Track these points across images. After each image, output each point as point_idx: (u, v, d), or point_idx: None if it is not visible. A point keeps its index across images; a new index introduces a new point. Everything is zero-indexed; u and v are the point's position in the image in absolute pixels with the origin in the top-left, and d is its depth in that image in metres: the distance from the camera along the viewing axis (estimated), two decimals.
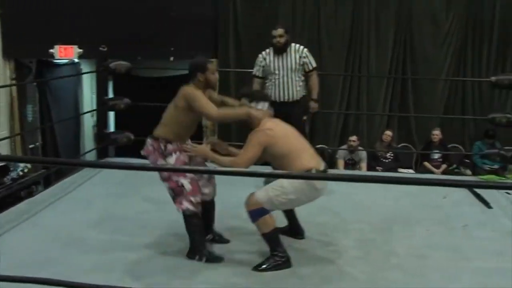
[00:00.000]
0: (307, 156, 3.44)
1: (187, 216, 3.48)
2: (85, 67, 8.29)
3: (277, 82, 5.03)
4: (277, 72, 5.02)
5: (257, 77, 5.18)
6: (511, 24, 8.04)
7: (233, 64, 7.94)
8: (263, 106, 3.59)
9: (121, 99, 5.92)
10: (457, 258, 3.66)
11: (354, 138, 7.59)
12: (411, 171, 8.05)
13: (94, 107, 6.95)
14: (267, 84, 5.13)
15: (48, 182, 6.43)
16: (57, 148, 8.02)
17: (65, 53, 7.38)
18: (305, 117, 5.27)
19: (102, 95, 5.96)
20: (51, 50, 7.46)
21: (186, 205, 3.45)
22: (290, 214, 3.84)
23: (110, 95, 7.64)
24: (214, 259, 3.48)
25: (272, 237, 3.42)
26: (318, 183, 3.37)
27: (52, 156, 7.87)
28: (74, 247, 3.61)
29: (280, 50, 5.02)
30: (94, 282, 2.59)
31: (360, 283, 3.27)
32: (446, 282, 3.30)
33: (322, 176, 3.28)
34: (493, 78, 5.54)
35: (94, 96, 7.61)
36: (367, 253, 3.70)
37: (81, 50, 7.42)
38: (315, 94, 5.29)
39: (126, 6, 7.71)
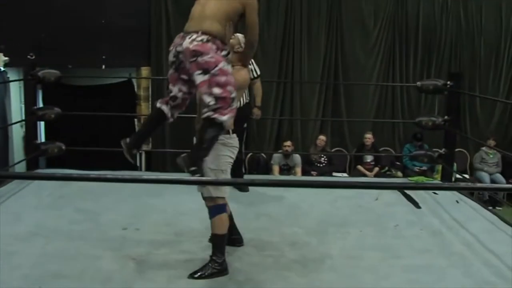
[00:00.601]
0: None
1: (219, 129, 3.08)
2: (12, 75, 7.99)
3: None
4: None
5: None
6: (434, 32, 8.43)
7: (166, 71, 7.86)
8: None
9: (51, 109, 5.73)
10: (388, 257, 3.78)
11: (288, 143, 7.70)
12: (345, 174, 8.24)
13: (23, 117, 6.72)
14: None
15: None
16: None
17: None
18: (245, 125, 5.29)
19: (31, 104, 5.75)
20: None
21: (227, 117, 3.04)
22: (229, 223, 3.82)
23: (40, 104, 7.40)
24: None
25: (219, 241, 3.43)
26: (235, 142, 3.44)
27: None
28: (3, 262, 3.47)
29: None
30: None
31: (296, 286, 3.32)
32: (378, 281, 3.40)
33: (266, 182, 3.30)
34: (419, 83, 5.75)
35: (23, 106, 7.36)
36: (303, 256, 3.76)
37: (7, 58, 7.15)
38: (259, 101, 5.34)
39: (55, 13, 7.51)
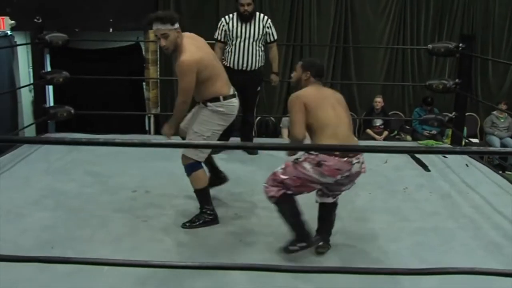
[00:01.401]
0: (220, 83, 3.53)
1: None
2: (19, 39, 7.95)
3: (237, 48, 4.98)
4: (238, 38, 4.96)
5: (219, 41, 5.10)
6: None
7: None
8: None
9: (59, 73, 5.72)
10: (397, 219, 3.80)
11: None
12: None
13: (32, 81, 6.70)
14: (226, 49, 5.06)
15: None
16: None
17: None
18: (259, 88, 5.26)
19: (39, 68, 5.73)
20: None
21: None
22: (210, 164, 3.93)
23: (48, 68, 7.39)
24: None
25: (203, 194, 3.62)
26: (227, 109, 3.59)
27: None
28: (13, 225, 3.51)
29: (247, 18, 4.96)
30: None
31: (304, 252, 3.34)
32: (386, 243, 3.42)
33: (275, 146, 3.26)
34: (430, 46, 5.66)
35: (31, 70, 7.34)
36: (312, 218, 3.76)
37: (13, 22, 7.07)
38: (275, 67, 5.30)
39: None
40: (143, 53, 8.19)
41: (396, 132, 8.31)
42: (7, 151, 5.06)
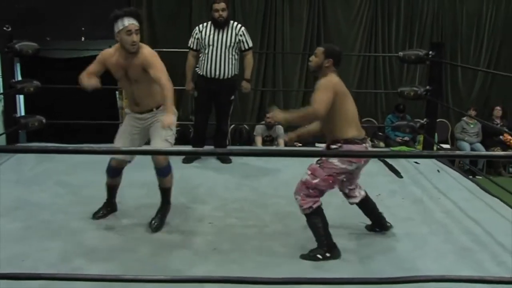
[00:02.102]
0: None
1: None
2: None
3: (210, 56, 4.96)
4: (211, 46, 4.94)
5: (192, 49, 5.08)
6: (415, 2, 8.42)
7: (146, 43, 7.76)
8: None
9: (30, 82, 5.65)
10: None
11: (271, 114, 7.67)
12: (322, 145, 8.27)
13: (1, 90, 6.60)
14: (200, 58, 5.04)
15: None
16: None
17: None
18: (232, 97, 5.24)
19: (9, 78, 5.65)
20: None
21: None
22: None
23: (19, 77, 7.28)
24: None
25: (169, 192, 3.74)
26: None
27: None
28: None
29: (220, 25, 4.93)
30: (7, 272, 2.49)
31: (279, 256, 3.35)
32: (359, 249, 3.45)
33: (247, 152, 3.27)
34: (400, 54, 5.76)
35: (1, 80, 7.23)
36: (286, 226, 3.79)
37: None
38: (248, 74, 5.26)
39: None
40: None
41: (369, 138, 8.39)
42: None
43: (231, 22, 5.04)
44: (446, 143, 8.66)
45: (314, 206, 3.28)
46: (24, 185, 4.46)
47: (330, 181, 3.28)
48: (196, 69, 5.08)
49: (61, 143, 5.33)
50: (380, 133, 8.55)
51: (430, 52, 5.49)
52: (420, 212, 4.12)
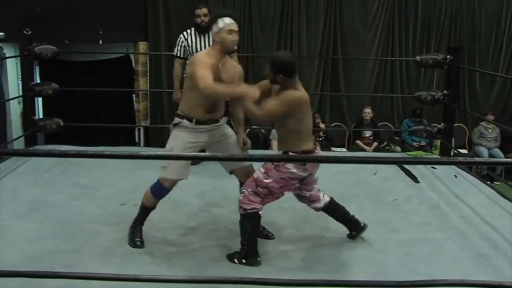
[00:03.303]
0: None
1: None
2: (8, 51, 7.94)
3: None
4: (197, 53, 4.93)
5: (179, 57, 5.05)
6: (433, 6, 8.36)
7: (164, 46, 7.84)
8: None
9: (48, 85, 5.71)
10: (386, 231, 3.80)
11: None
12: (344, 149, 8.24)
13: (21, 93, 6.68)
14: (187, 65, 5.03)
15: None
16: None
17: None
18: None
19: (28, 80, 5.71)
20: None
21: None
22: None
23: (37, 80, 7.37)
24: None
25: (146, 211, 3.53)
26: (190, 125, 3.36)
27: None
28: (1, 238, 3.47)
29: (203, 30, 4.91)
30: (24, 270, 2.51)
31: (295, 260, 3.34)
32: (375, 254, 3.43)
33: (264, 157, 3.27)
34: (418, 58, 5.71)
35: (20, 82, 7.32)
36: (302, 230, 3.78)
37: (2, 34, 7.06)
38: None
39: None
40: (133, 65, 8.20)
41: (385, 143, 8.35)
42: None
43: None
44: (464, 148, 8.58)
45: (251, 210, 3.22)
46: (41, 187, 4.50)
47: (282, 184, 3.23)
48: (184, 75, 5.02)
49: (77, 145, 5.37)
50: (396, 138, 8.49)
51: (448, 57, 5.44)
52: (436, 217, 4.08)
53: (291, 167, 3.20)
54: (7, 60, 7.79)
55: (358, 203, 4.35)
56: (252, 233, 3.29)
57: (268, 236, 3.64)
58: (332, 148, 8.03)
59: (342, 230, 3.73)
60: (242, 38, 7.98)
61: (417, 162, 5.18)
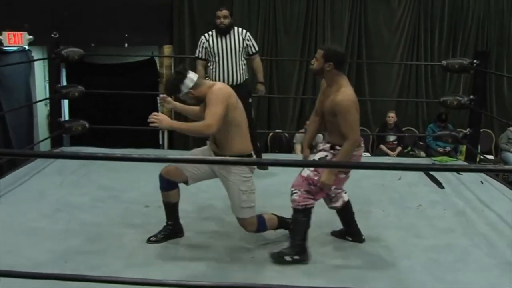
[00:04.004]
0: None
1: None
2: (36, 54, 8.07)
3: (220, 64, 4.96)
4: (220, 54, 4.95)
5: (200, 59, 5.10)
6: (460, 10, 8.25)
7: (188, 49, 7.88)
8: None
9: (75, 87, 5.79)
10: (410, 236, 3.77)
11: None
12: (367, 154, 8.18)
13: (48, 95, 6.78)
14: (210, 67, 5.05)
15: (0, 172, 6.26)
16: (9, 139, 7.80)
17: (14, 40, 7.14)
18: (250, 100, 5.19)
19: (55, 83, 5.80)
20: None
21: None
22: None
23: (64, 82, 7.47)
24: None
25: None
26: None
27: (3, 146, 7.65)
28: (28, 238, 3.54)
29: (224, 32, 4.94)
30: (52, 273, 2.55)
31: (318, 264, 3.32)
32: (399, 260, 3.39)
33: (288, 163, 3.24)
34: (444, 62, 5.65)
35: (47, 84, 7.44)
36: (326, 234, 3.76)
37: (31, 37, 7.19)
38: (261, 77, 5.27)
39: None
40: (158, 68, 8.26)
41: (409, 148, 8.26)
42: (22, 164, 5.11)
43: (235, 28, 5.03)
44: (490, 153, 8.44)
45: (308, 205, 3.30)
46: (66, 188, 4.57)
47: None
48: (206, 77, 5.05)
49: (102, 147, 5.44)
50: (420, 143, 8.40)
51: (475, 61, 5.37)
52: (462, 223, 4.02)
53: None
54: (35, 62, 7.92)
55: (382, 208, 4.33)
56: (304, 228, 3.33)
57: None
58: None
59: (367, 233, 3.70)
60: (266, 41, 8.01)
61: (444, 169, 5.12)
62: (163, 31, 7.93)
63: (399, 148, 8.00)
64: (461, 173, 5.13)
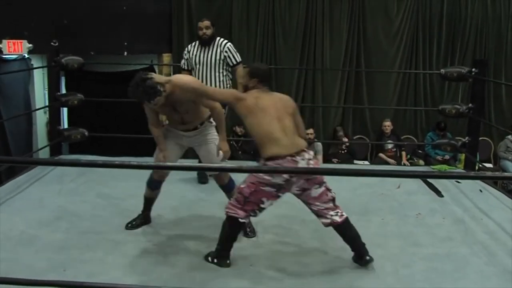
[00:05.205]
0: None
1: None
2: (36, 62, 8.08)
3: (199, 75, 4.96)
4: (198, 65, 4.96)
5: (183, 69, 5.12)
6: (458, 18, 8.28)
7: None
8: None
9: (74, 95, 5.81)
10: (410, 245, 3.76)
11: (310, 131, 7.67)
12: (366, 162, 8.19)
13: (47, 103, 6.79)
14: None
15: None
16: (8, 146, 7.80)
17: (14, 48, 7.16)
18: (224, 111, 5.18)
19: (55, 91, 5.81)
20: None
21: None
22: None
23: (63, 91, 7.48)
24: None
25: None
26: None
27: (2, 154, 7.64)
28: (27, 247, 3.54)
29: (205, 43, 4.94)
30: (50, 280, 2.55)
31: (317, 273, 3.32)
32: (398, 269, 3.39)
33: (284, 170, 3.25)
34: (442, 71, 5.68)
35: (47, 92, 7.45)
36: (324, 243, 3.75)
37: (31, 45, 7.22)
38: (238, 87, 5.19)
39: (78, 0, 7.57)
40: None
41: (408, 156, 8.27)
42: (21, 172, 5.11)
43: (217, 39, 5.00)
44: (489, 162, 8.46)
45: (232, 214, 3.31)
46: (66, 196, 4.56)
47: (252, 189, 3.24)
48: None
49: (101, 155, 5.44)
50: (419, 151, 8.41)
51: (473, 69, 5.39)
52: (461, 232, 4.03)
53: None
54: (34, 71, 7.94)
55: (381, 216, 4.33)
56: (228, 237, 3.38)
57: (247, 234, 3.80)
58: (355, 161, 7.99)
59: (366, 242, 3.70)
60: (265, 49, 8.03)
61: (442, 176, 5.13)
62: (162, 39, 7.96)
63: (404, 153, 8.03)
64: (460, 181, 5.14)
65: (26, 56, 7.62)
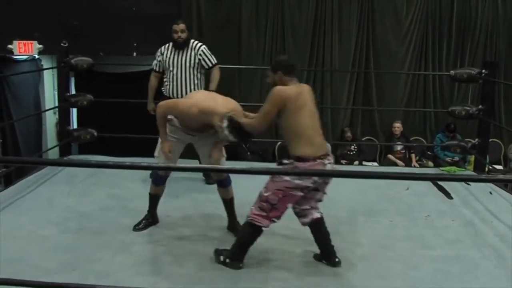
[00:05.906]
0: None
1: None
2: (46, 63, 8.14)
3: (173, 78, 4.90)
4: (171, 68, 4.89)
5: (155, 71, 5.08)
6: (468, 19, 8.23)
7: None
8: None
9: (83, 96, 5.84)
10: (419, 247, 3.75)
11: None
12: (375, 164, 8.17)
13: (57, 104, 6.83)
14: (164, 80, 5.01)
15: (9, 180, 6.29)
16: (18, 146, 7.85)
17: (24, 49, 7.21)
18: None
19: (64, 91, 5.84)
20: (9, 46, 7.28)
21: None
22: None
23: (73, 91, 7.52)
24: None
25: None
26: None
27: (12, 154, 7.70)
28: (36, 246, 3.55)
29: (180, 46, 4.89)
30: (56, 282, 2.56)
31: (326, 275, 3.32)
32: (407, 271, 3.38)
33: (293, 172, 3.24)
34: (452, 72, 5.66)
35: (56, 93, 7.49)
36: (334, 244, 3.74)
37: (41, 46, 7.26)
38: (212, 87, 5.00)
39: (87, 1, 7.60)
40: None
41: (417, 157, 8.23)
42: (31, 172, 5.14)
43: (191, 41, 4.95)
44: (499, 164, 8.40)
45: (258, 223, 3.27)
46: (75, 197, 4.58)
47: (280, 195, 3.19)
48: (162, 89, 5.02)
49: (110, 155, 5.46)
50: (429, 152, 8.37)
51: (483, 71, 5.36)
52: (470, 234, 4.00)
53: (285, 176, 3.17)
54: (44, 71, 7.99)
55: (389, 218, 4.31)
56: (247, 242, 3.36)
57: None
58: (364, 163, 7.97)
59: (374, 244, 3.70)
60: (274, 50, 8.02)
61: (455, 179, 5.11)
62: (171, 40, 7.96)
63: (413, 156, 7.99)
64: (469, 183, 5.11)
65: (36, 57, 7.68)
